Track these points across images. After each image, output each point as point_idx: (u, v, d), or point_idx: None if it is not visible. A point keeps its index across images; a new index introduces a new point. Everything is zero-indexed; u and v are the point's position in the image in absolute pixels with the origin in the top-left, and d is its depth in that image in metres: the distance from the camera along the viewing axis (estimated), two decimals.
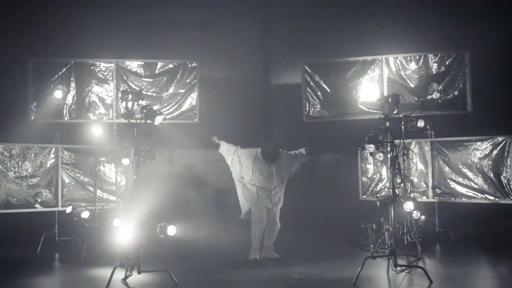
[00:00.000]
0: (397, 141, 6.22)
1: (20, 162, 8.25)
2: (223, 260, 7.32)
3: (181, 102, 9.30)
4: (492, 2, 10.65)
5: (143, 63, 9.24)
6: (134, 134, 5.84)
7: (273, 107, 11.71)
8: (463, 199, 8.45)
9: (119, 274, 5.86)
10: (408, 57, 9.04)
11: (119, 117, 8.78)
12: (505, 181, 8.13)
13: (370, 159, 8.87)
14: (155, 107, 7.89)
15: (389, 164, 6.16)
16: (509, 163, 8.10)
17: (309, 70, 9.52)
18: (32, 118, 8.78)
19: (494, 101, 10.60)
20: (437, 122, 8.80)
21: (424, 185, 8.66)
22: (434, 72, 8.90)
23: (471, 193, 8.38)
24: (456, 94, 8.80)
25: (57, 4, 10.81)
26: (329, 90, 9.40)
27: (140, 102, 5.96)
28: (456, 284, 5.91)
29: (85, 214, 7.61)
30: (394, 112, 6.24)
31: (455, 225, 8.69)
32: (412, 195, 8.36)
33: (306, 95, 9.49)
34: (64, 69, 8.87)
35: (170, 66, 9.30)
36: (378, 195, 6.48)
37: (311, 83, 9.48)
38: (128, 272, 5.85)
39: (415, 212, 6.97)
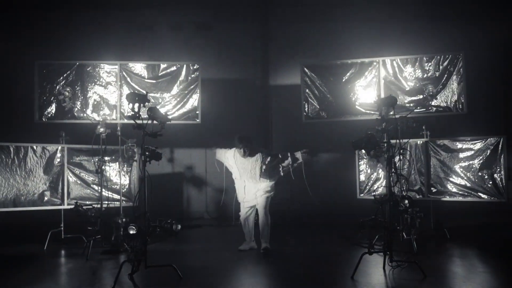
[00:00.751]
0: (393, 141, 6.35)
1: (27, 162, 8.40)
2: (224, 256, 7.49)
3: (183, 103, 9.44)
4: (486, 4, 10.83)
5: (146, 65, 9.36)
6: (141, 134, 6.01)
7: (272, 107, 11.82)
8: (458, 197, 8.60)
9: (126, 269, 6.04)
10: (405, 60, 9.18)
11: (123, 117, 8.97)
12: (498, 180, 8.30)
13: (367, 158, 9.01)
14: (159, 108, 8.09)
15: (385, 163, 6.33)
16: (502, 162, 8.29)
17: (308, 72, 9.67)
18: (38, 119, 8.91)
19: (488, 102, 10.81)
20: (432, 122, 8.96)
21: (420, 184, 8.86)
22: (430, 74, 9.04)
23: (465, 191, 8.55)
24: (451, 95, 8.93)
25: (62, 8, 10.97)
26: (327, 91, 9.56)
27: (146, 104, 6.17)
28: (449, 278, 6.11)
29: (91, 212, 7.78)
30: (391, 113, 6.44)
31: (450, 222, 8.83)
32: (408, 193, 8.55)
33: (305, 96, 9.65)
34: (69, 71, 8.98)
35: (173, 68, 9.43)
36: (374, 193, 6.66)
37: (310, 85, 9.64)
38: (134, 267, 6.07)
39: (410, 209, 7.17)
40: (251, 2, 11.92)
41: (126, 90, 9.07)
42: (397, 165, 6.37)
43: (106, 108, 9.09)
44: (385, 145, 6.27)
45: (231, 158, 7.91)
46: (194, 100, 9.48)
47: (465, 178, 8.57)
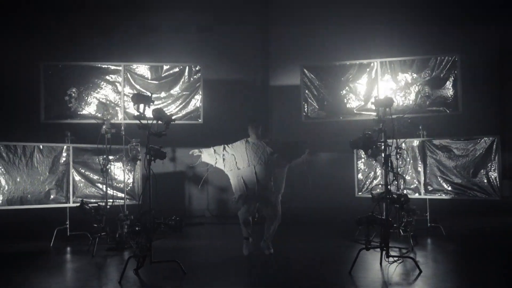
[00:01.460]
0: (390, 141, 6.51)
1: (33, 161, 8.58)
2: (225, 253, 7.68)
3: (186, 104, 9.59)
4: (481, 7, 11.00)
5: (149, 66, 9.50)
6: (146, 134, 6.21)
7: (272, 107, 11.98)
8: (453, 195, 8.77)
9: (132, 265, 6.25)
10: (402, 61, 9.30)
11: (127, 117, 9.15)
12: (493, 179, 8.47)
13: (365, 157, 9.15)
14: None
15: (382, 162, 6.50)
16: (496, 161, 8.47)
17: (307, 73, 9.79)
18: (44, 119, 9.06)
19: (483, 103, 10.99)
20: (429, 122, 9.10)
21: (416, 182, 9.03)
22: (426, 75, 9.17)
23: (460, 190, 8.70)
24: (447, 96, 9.07)
25: (67, 10, 11.16)
26: (326, 92, 9.69)
27: (151, 104, 6.37)
28: (444, 273, 6.29)
29: (96, 210, 7.96)
30: (388, 113, 6.61)
31: (446, 220, 9.01)
32: (405, 191, 8.74)
33: (305, 96, 9.77)
34: (74, 72, 9.13)
35: (176, 69, 9.59)
36: (372, 191, 6.81)
37: (310, 85, 9.76)
38: (139, 263, 6.27)
39: (406, 207, 7.34)
40: (252, 4, 12.08)
41: (130, 91, 9.25)
42: (393, 164, 6.52)
43: (111, 108, 9.23)
44: (382, 144, 6.43)
45: (241, 146, 7.57)
46: (196, 101, 9.63)
47: (460, 177, 8.73)
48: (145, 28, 11.74)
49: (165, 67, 9.58)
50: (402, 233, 8.13)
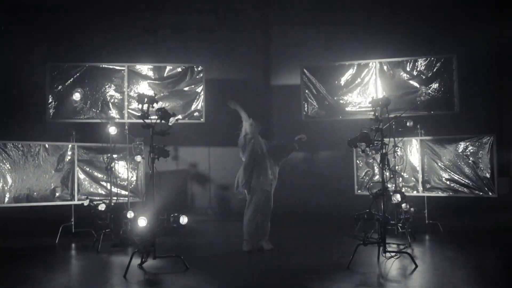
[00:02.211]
0: (387, 140, 6.64)
1: (39, 159, 8.76)
2: (227, 249, 7.85)
3: (188, 103, 9.71)
4: (478, 7, 11.08)
5: (152, 66, 9.64)
6: (150, 133, 6.38)
7: (273, 107, 12.08)
8: (451, 193, 8.93)
9: (136, 260, 6.44)
10: (400, 61, 9.42)
11: (130, 117, 9.33)
12: (489, 177, 8.63)
13: (363, 156, 9.26)
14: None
15: (379, 160, 6.65)
16: (493, 159, 8.61)
17: (307, 73, 9.89)
18: (50, 118, 9.20)
19: (480, 102, 11.09)
20: (426, 122, 9.24)
21: (414, 180, 9.18)
22: (424, 75, 9.28)
23: (458, 187, 8.87)
24: (444, 95, 9.17)
25: (72, 11, 11.28)
26: (326, 92, 9.79)
27: (155, 104, 6.54)
28: (440, 269, 6.43)
29: (101, 207, 8.13)
30: (385, 113, 6.77)
31: (443, 217, 9.12)
32: (403, 189, 8.89)
33: (305, 96, 9.88)
34: (79, 73, 9.26)
35: (178, 69, 9.72)
36: (370, 189, 6.96)
37: (309, 85, 9.87)
38: (143, 258, 6.46)
39: (404, 204, 7.51)
40: (252, 5, 12.17)
41: (133, 91, 9.42)
42: (391, 162, 6.67)
43: (115, 108, 9.39)
44: (379, 143, 6.58)
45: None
46: (198, 101, 9.75)
47: (457, 174, 8.89)
48: (148, 29, 11.85)
49: (168, 68, 9.71)
50: (400, 229, 8.28)
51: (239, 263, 7.01)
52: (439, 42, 10.90)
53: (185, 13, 11.99)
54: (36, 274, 6.43)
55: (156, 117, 6.44)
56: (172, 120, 6.39)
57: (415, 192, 9.13)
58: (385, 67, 9.50)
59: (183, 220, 6.38)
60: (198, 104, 9.77)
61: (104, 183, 9.18)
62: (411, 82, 9.39)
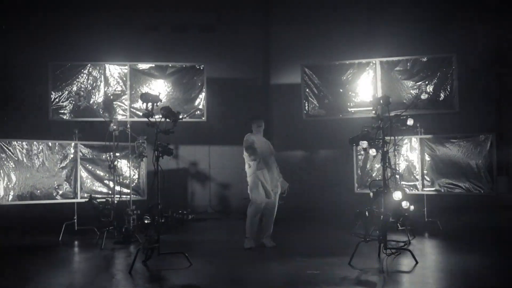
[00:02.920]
0: (388, 138, 6.70)
1: (43, 158, 8.81)
2: (229, 246, 7.91)
3: (190, 102, 9.79)
4: (478, 6, 11.17)
5: (154, 65, 9.70)
6: (154, 132, 6.45)
7: (273, 105, 12.14)
8: (450, 191, 8.98)
9: (140, 256, 6.48)
10: (400, 60, 9.48)
11: (133, 115, 9.37)
12: (489, 175, 8.68)
13: (364, 154, 9.25)
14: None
15: (380, 158, 6.71)
16: (492, 158, 8.68)
17: (308, 72, 9.95)
18: (52, 117, 9.28)
19: (479, 101, 11.17)
20: (426, 120, 9.31)
21: (414, 179, 9.25)
22: (424, 74, 9.34)
23: (457, 186, 8.93)
24: (444, 94, 9.25)
25: (75, 10, 11.37)
26: (326, 91, 9.85)
27: (159, 103, 6.61)
28: (440, 265, 6.55)
29: (104, 205, 8.19)
30: (386, 111, 6.83)
31: (443, 215, 9.20)
32: (402, 185, 8.95)
33: (305, 95, 9.93)
34: (81, 71, 9.35)
35: (180, 68, 9.79)
36: (371, 186, 7.01)
37: (310, 84, 9.93)
38: (147, 255, 6.52)
39: (404, 202, 7.56)
40: (253, 4, 12.26)
41: (135, 90, 9.48)
42: (391, 160, 6.73)
43: (117, 106, 9.45)
44: (380, 141, 6.65)
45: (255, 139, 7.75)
46: (200, 99, 9.82)
47: (457, 173, 8.93)
48: (149, 28, 11.91)
49: (169, 66, 9.77)
50: (399, 227, 8.34)
51: (242, 260, 7.07)
52: (439, 40, 10.95)
53: (186, 12, 12.04)
54: (40, 271, 6.49)
55: (160, 116, 6.50)
56: (176, 118, 6.44)
57: (414, 190, 9.18)
58: (385, 66, 9.55)
59: (187, 217, 6.43)
60: (200, 102, 9.82)
61: (107, 181, 9.24)
62: (411, 81, 9.45)
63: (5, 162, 8.54)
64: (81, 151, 9.13)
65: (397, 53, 9.81)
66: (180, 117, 6.62)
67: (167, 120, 6.49)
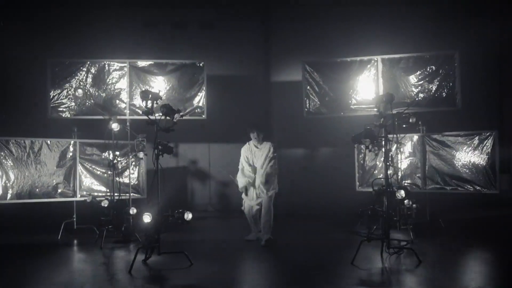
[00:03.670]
0: (390, 136, 6.63)
1: (41, 156, 8.75)
2: (230, 246, 7.85)
3: (190, 99, 9.74)
4: (481, 3, 11.11)
5: (154, 62, 9.65)
6: (154, 130, 6.37)
7: (274, 103, 12.06)
8: (452, 189, 8.93)
9: (140, 255, 6.41)
10: (402, 58, 9.45)
11: (132, 113, 9.31)
12: (491, 173, 8.63)
13: (366, 152, 9.25)
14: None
15: (383, 157, 6.64)
16: (494, 156, 8.62)
17: (309, 69, 9.93)
18: (51, 115, 9.23)
19: (482, 98, 11.10)
20: (428, 118, 9.20)
21: (416, 177, 9.19)
22: (426, 72, 9.31)
23: (459, 183, 8.88)
24: (446, 92, 9.22)
25: (74, 7, 11.28)
26: (328, 88, 9.82)
27: (159, 101, 6.53)
28: (443, 264, 6.45)
29: (104, 203, 8.13)
30: (388, 109, 6.76)
31: (445, 213, 9.18)
32: (404, 184, 8.88)
33: (306, 92, 9.90)
34: (80, 69, 9.31)
35: (180, 65, 9.74)
36: (373, 185, 6.94)
37: (311, 81, 9.90)
38: (147, 254, 6.46)
39: (406, 200, 7.49)
40: (253, 0, 12.17)
41: (135, 87, 9.40)
42: (394, 158, 6.66)
43: (117, 104, 9.40)
44: (383, 139, 6.58)
45: (247, 153, 8.00)
46: (200, 97, 9.77)
47: (459, 171, 8.89)
48: (148, 25, 11.83)
49: (169, 64, 9.73)
50: (402, 226, 8.30)
51: (242, 259, 7.01)
52: (441, 37, 10.87)
53: (185, 8, 11.97)
54: (39, 271, 6.40)
55: (160, 113, 6.42)
56: (177, 116, 6.37)
57: (416, 188, 9.10)
58: (387, 64, 9.49)
59: (188, 216, 6.37)
60: (200, 100, 9.78)
61: (106, 180, 9.15)
62: (414, 78, 9.40)
63: (3, 160, 8.50)
64: (80, 149, 9.05)
65: (399, 50, 9.77)
66: (181, 114, 6.53)
67: (167, 117, 6.40)
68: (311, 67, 9.96)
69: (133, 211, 8.22)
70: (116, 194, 8.45)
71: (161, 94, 6.78)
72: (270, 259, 6.96)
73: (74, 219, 8.80)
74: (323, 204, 10.92)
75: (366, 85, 9.64)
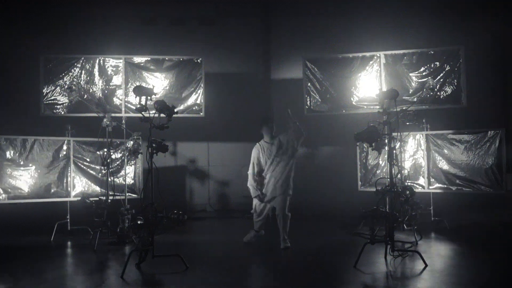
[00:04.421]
0: (394, 134, 6.43)
1: (33, 155, 8.51)
2: (228, 247, 7.65)
3: (187, 97, 9.56)
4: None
5: (150, 58, 9.46)
6: (148, 127, 6.12)
7: (274, 100, 11.87)
8: (458, 189, 8.73)
9: (134, 259, 6.19)
10: (405, 53, 9.26)
11: (128, 111, 9.09)
12: (497, 172, 8.44)
13: (369, 150, 9.09)
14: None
15: (386, 155, 6.43)
16: (501, 155, 8.43)
17: (309, 65, 9.74)
18: (44, 112, 9.02)
19: (487, 95, 10.90)
20: (432, 115, 9.07)
21: (420, 176, 8.97)
22: (430, 68, 9.13)
23: (464, 183, 8.68)
24: (450, 89, 9.04)
25: (69, 2, 11.07)
26: (329, 85, 9.64)
27: (153, 97, 6.29)
28: (450, 267, 6.23)
29: (98, 204, 7.90)
30: (392, 106, 6.54)
31: (449, 214, 8.98)
32: (409, 184, 8.66)
33: (307, 89, 9.73)
34: (74, 65, 9.09)
35: (177, 62, 9.55)
36: (377, 185, 6.74)
37: (312, 78, 9.71)
38: (141, 258, 6.20)
39: (411, 200, 7.27)
40: None
41: (130, 84, 9.19)
42: (398, 157, 6.46)
43: (112, 101, 9.19)
44: (387, 137, 6.35)
45: (259, 153, 7.71)
46: (198, 94, 9.59)
47: (464, 170, 8.69)
48: (146, 21, 11.63)
49: (166, 60, 9.54)
50: (406, 227, 8.09)
51: (240, 262, 6.77)
52: (446, 33, 10.67)
53: (184, 4, 11.78)
54: (30, 273, 6.21)
55: (154, 110, 6.18)
56: (170, 113, 6.11)
57: (420, 188, 8.91)
58: (390, 60, 9.31)
59: (183, 217, 6.15)
60: (198, 97, 9.61)
61: (100, 179, 8.91)
62: (417, 74, 9.21)
63: None
64: (74, 148, 8.81)
65: (402, 45, 9.58)
66: (176, 111, 6.28)
67: (162, 114, 6.16)
68: (312, 64, 9.78)
69: (128, 211, 7.98)
70: (111, 194, 8.21)
71: (156, 90, 6.55)
72: (270, 262, 6.74)
73: (68, 220, 8.57)
74: (323, 204, 10.73)
75: (369, 82, 9.44)
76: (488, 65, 11.07)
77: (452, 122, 9.38)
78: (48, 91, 9.03)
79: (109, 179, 8.31)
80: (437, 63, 9.15)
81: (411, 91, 9.21)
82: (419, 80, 9.19)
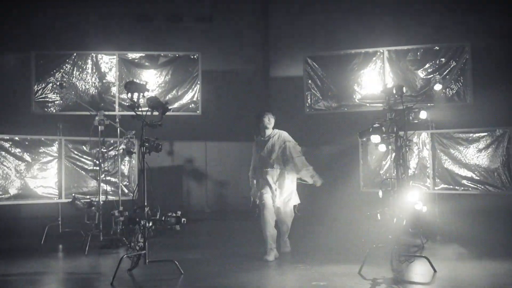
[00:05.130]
0: (400, 133, 6.24)
1: (24, 154, 8.32)
2: (226, 251, 7.41)
3: (183, 94, 9.44)
4: None
5: (145, 55, 9.35)
6: (141, 125, 5.84)
7: (273, 98, 11.72)
8: (464, 190, 8.51)
9: (125, 264, 5.93)
10: (410, 50, 9.14)
11: (122, 109, 8.92)
12: (506, 173, 8.19)
13: (372, 150, 8.86)
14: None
15: (393, 155, 6.18)
16: (509, 154, 8.17)
17: (310, 62, 9.65)
18: (35, 110, 8.88)
19: (494, 93, 10.64)
20: (438, 114, 8.81)
21: (425, 177, 8.73)
22: (436, 65, 9.01)
23: (471, 184, 8.44)
24: (457, 86, 8.93)
25: None
26: (330, 82, 9.53)
27: (146, 93, 6.00)
28: (462, 275, 5.94)
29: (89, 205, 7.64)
30: (398, 103, 6.28)
31: (456, 216, 8.73)
32: (415, 184, 8.43)
33: (308, 87, 9.63)
34: (66, 61, 9.01)
35: (173, 58, 9.44)
36: (381, 185, 6.50)
37: (313, 75, 9.62)
38: (133, 263, 5.92)
39: (419, 202, 7.01)
40: None
41: (125, 81, 8.96)
42: (404, 156, 6.22)
43: (105, 99, 9.07)
44: (393, 136, 6.11)
45: (256, 146, 7.37)
46: (194, 91, 9.48)
47: (471, 170, 8.45)
48: (141, 17, 11.47)
49: (162, 56, 9.45)
50: (410, 230, 7.80)
51: (239, 268, 6.45)
52: (452, 29, 10.45)
53: (181, 1, 11.64)
54: (18, 278, 5.99)
55: (147, 107, 5.88)
56: (164, 110, 5.82)
57: (425, 189, 8.68)
58: (394, 56, 9.16)
59: (178, 220, 5.84)
60: (194, 95, 9.47)
61: (93, 180, 8.70)
62: (422, 71, 9.07)
63: None
64: (65, 147, 8.60)
65: (406, 42, 9.44)
66: (170, 108, 5.99)
67: (155, 112, 5.86)
68: (313, 60, 9.67)
69: (121, 214, 7.68)
70: (103, 195, 7.96)
71: (152, 87, 6.29)
72: (268, 269, 6.44)
73: (59, 222, 8.36)
74: (324, 205, 10.47)
75: (371, 79, 9.30)
76: (495, 62, 10.83)
77: (459, 120, 9.16)
78: (39, 89, 8.92)
79: (102, 180, 8.05)
80: (443, 59, 9.02)
81: (415, 88, 9.05)
82: (424, 77, 9.04)
